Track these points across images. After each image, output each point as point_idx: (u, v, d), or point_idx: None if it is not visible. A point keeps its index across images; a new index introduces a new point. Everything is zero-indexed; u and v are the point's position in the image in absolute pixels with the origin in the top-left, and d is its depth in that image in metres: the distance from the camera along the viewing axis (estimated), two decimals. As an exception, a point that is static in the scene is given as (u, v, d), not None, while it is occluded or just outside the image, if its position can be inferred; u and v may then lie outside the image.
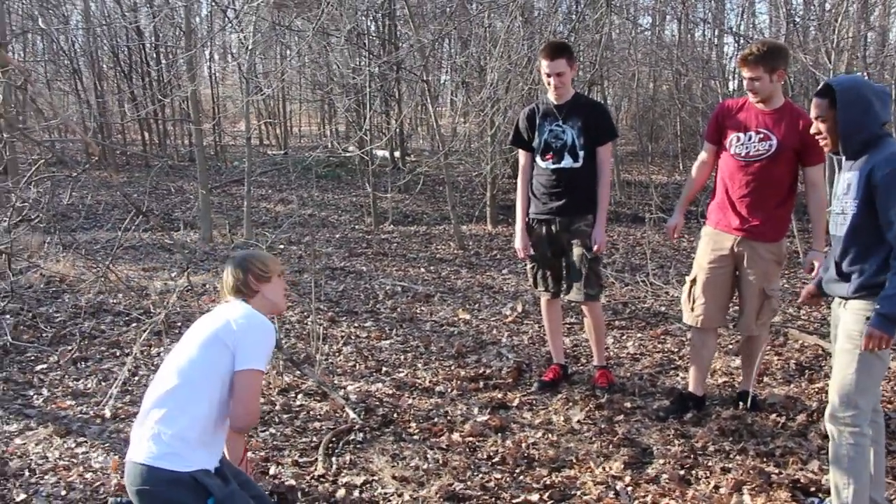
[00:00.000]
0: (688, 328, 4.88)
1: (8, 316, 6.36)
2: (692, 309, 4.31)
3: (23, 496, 3.63)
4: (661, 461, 3.83)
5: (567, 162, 4.56)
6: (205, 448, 2.87)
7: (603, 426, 4.26)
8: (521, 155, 4.81)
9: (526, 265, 4.95)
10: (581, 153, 4.54)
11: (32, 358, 5.52)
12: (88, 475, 3.84)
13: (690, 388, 4.48)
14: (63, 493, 3.67)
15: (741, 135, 4.09)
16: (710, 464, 3.80)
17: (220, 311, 3.05)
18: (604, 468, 3.79)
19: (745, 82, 4.08)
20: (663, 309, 6.56)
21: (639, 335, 5.89)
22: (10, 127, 8.01)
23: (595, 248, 4.54)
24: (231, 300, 3.13)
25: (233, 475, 3.15)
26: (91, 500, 3.59)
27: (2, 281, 7.21)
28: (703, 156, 4.38)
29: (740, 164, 4.09)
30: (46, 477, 3.84)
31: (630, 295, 7.07)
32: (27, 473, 3.88)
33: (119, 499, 3.06)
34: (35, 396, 4.89)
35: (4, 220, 7.57)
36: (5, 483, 3.78)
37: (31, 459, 4.04)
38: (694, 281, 4.30)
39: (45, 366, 5.37)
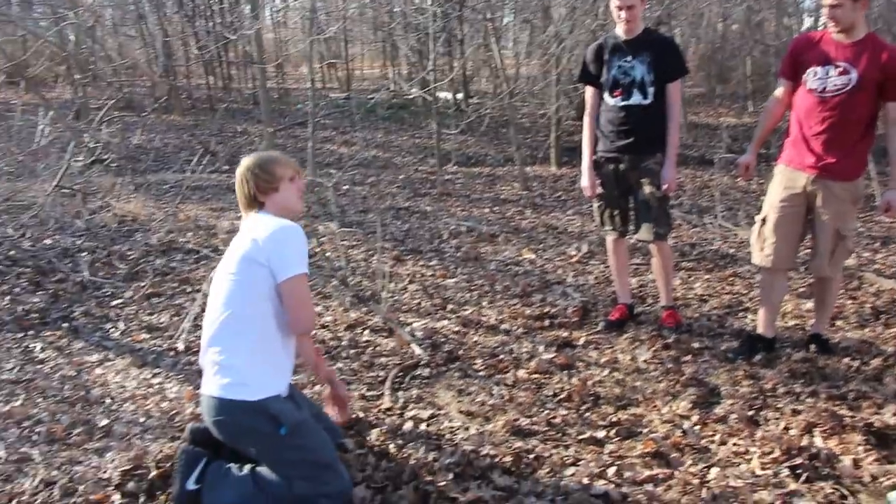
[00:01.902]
0: (757, 269, 4.79)
1: (85, 253, 6.55)
2: (762, 249, 4.22)
3: (105, 422, 3.78)
4: (730, 402, 3.79)
5: (636, 98, 4.46)
6: (271, 371, 2.96)
7: (670, 366, 4.23)
8: (588, 92, 4.72)
9: (592, 204, 4.90)
10: (650, 90, 4.43)
11: (108, 293, 5.68)
12: (164, 404, 3.96)
13: (759, 330, 4.41)
14: (141, 420, 3.81)
15: (819, 69, 3.94)
16: (779, 405, 3.75)
17: (244, 232, 3.06)
18: (670, 407, 3.78)
19: (824, 10, 3.91)
20: (732, 251, 6.45)
21: (706, 277, 5.80)
22: (81, 69, 8.15)
23: (665, 186, 4.46)
24: (249, 215, 3.13)
25: (315, 417, 3.23)
26: (168, 427, 3.71)
27: (78, 219, 7.42)
28: (777, 92, 4.23)
29: (817, 100, 3.95)
30: (125, 405, 3.98)
31: (697, 236, 6.96)
32: (108, 401, 4.03)
33: (198, 426, 3.15)
34: (112, 329, 5.04)
35: (79, 161, 7.75)
36: (89, 409, 3.94)
37: (111, 388, 4.19)
38: (764, 220, 4.20)
39: (120, 301, 5.53)
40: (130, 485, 3.15)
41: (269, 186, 3.11)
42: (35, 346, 4.77)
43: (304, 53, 11.72)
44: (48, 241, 6.91)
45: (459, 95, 16.38)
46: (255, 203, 3.11)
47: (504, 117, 13.23)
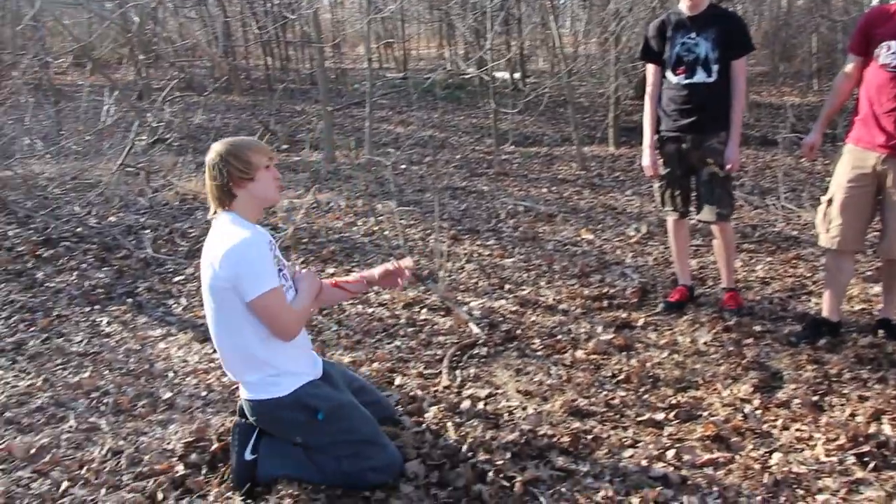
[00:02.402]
0: (822, 252, 4.68)
1: (147, 230, 6.68)
2: (828, 230, 4.11)
3: (169, 394, 3.87)
4: (793, 386, 3.73)
5: (700, 76, 4.37)
6: (290, 364, 2.96)
7: (731, 349, 4.17)
8: (650, 70, 4.64)
9: (653, 184, 4.83)
10: (715, 67, 4.34)
11: (171, 270, 5.79)
12: (225, 379, 4.03)
13: (824, 314, 4.31)
14: (203, 393, 3.88)
15: (892, 43, 3.80)
16: (845, 391, 3.67)
17: (210, 242, 2.91)
18: (731, 390, 3.72)
19: None
20: (795, 233, 6.31)
21: (768, 259, 5.69)
22: (144, 51, 8.28)
23: (728, 166, 4.38)
24: (218, 216, 2.96)
25: (347, 382, 3.24)
26: (228, 401, 3.78)
27: (141, 197, 7.57)
28: (847, 68, 4.10)
29: (890, 76, 3.81)
30: (188, 379, 4.07)
31: (759, 218, 6.83)
32: (171, 375, 4.12)
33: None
34: (174, 305, 5.14)
35: (142, 140, 7.89)
36: (153, 382, 4.04)
37: (174, 362, 4.28)
38: (830, 201, 4.09)
39: (182, 277, 5.63)
40: (193, 456, 3.22)
41: (244, 176, 2.88)
42: (102, 320, 4.89)
43: (362, 33, 11.75)
44: (113, 219, 7.06)
45: (517, 75, 16.27)
46: (228, 196, 2.89)
47: (562, 97, 13.11)
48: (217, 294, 2.85)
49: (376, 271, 3.44)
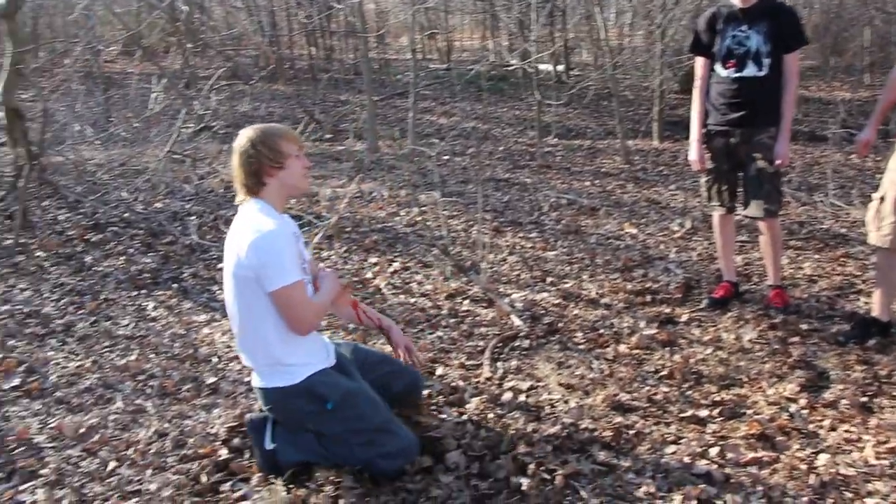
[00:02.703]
0: (872, 250, 4.59)
1: (193, 217, 6.76)
2: (879, 228, 4.02)
3: (213, 379, 3.92)
4: (840, 386, 3.66)
5: (750, 70, 4.30)
6: (301, 353, 2.97)
7: (776, 347, 4.11)
8: (698, 63, 4.58)
9: (700, 179, 4.77)
10: (766, 61, 4.27)
11: (215, 256, 5.85)
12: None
13: (874, 313, 4.22)
14: (246, 379, 3.90)
15: None
16: (895, 393, 3.61)
17: (234, 231, 2.92)
18: (777, 389, 3.67)
19: None
20: (844, 230, 6.20)
21: (816, 256, 5.60)
22: (194, 37, 8.37)
23: (778, 162, 4.31)
24: (245, 203, 2.95)
25: (363, 358, 3.24)
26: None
27: (187, 184, 7.65)
28: None
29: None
30: (231, 364, 4.11)
31: (807, 215, 6.72)
32: (215, 360, 4.18)
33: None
34: (218, 291, 5.19)
35: (189, 128, 7.98)
36: (198, 366, 4.09)
37: (218, 348, 4.33)
38: (882, 198, 3.99)
39: (226, 264, 5.68)
40: (236, 440, 3.27)
41: (274, 164, 2.88)
42: (148, 305, 4.97)
43: (406, 23, 11.75)
44: (159, 205, 7.16)
45: (560, 67, 16.18)
46: (258, 183, 2.89)
47: (605, 89, 13.01)
48: (239, 281, 2.86)
49: (395, 332, 3.44)
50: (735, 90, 4.35)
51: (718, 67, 4.42)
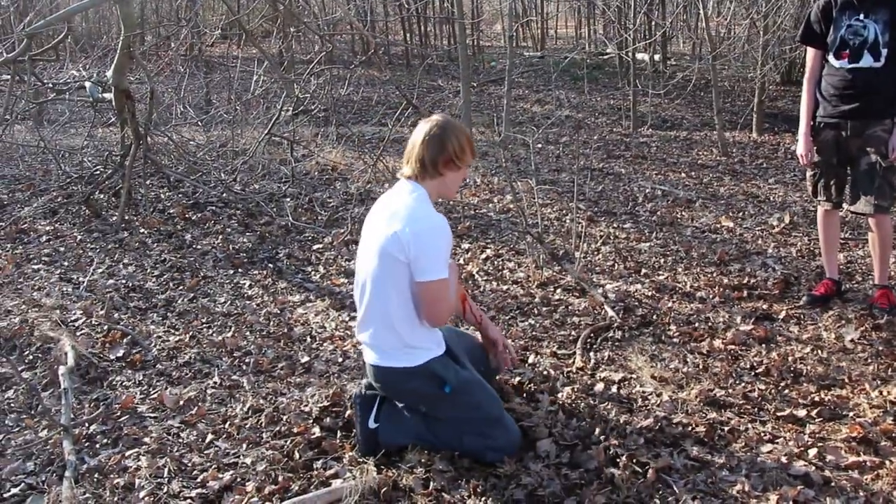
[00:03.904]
0: None
1: (289, 199, 6.90)
2: None
3: (306, 358, 3.99)
4: (951, 392, 3.52)
5: (866, 61, 4.13)
6: (422, 340, 2.99)
7: (880, 348, 3.96)
8: (810, 53, 4.43)
9: (804, 173, 4.62)
10: (884, 51, 4.09)
11: (310, 238, 5.96)
12: (361, 346, 4.12)
13: None
14: (339, 359, 3.99)
15: None
16: None
17: (387, 206, 2.94)
18: (880, 392, 3.53)
19: None
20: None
21: (925, 257, 5.37)
22: (295, 21, 8.50)
23: (893, 156, 4.13)
24: (402, 181, 2.97)
25: (477, 360, 3.26)
26: (363, 368, 3.85)
27: (284, 167, 7.80)
28: None
29: None
30: (325, 344, 4.19)
31: (916, 213, 6.45)
32: (308, 339, 4.26)
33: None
34: (312, 272, 5.29)
35: (287, 111, 8.13)
36: (292, 345, 4.18)
37: (312, 328, 4.41)
38: None
39: (320, 245, 5.79)
40: (328, 420, 3.32)
41: (456, 163, 2.94)
42: (244, 283, 5.09)
43: (502, 10, 11.70)
44: (256, 186, 7.32)
45: (657, 56, 15.89)
46: (434, 171, 2.91)
47: (703, 80, 12.72)
48: (388, 261, 2.86)
49: (493, 331, 3.42)
50: (849, 81, 4.19)
51: (831, 58, 4.26)
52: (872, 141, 4.17)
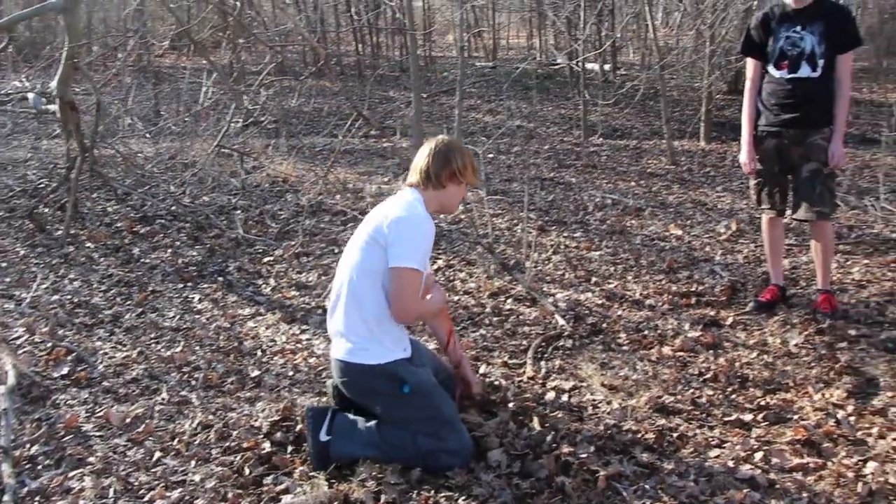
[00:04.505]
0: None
1: (239, 211, 6.84)
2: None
3: (257, 372, 3.96)
4: (890, 394, 3.59)
5: (804, 71, 4.24)
6: (389, 340, 3.05)
7: (823, 352, 4.05)
8: (750, 64, 4.53)
9: (748, 181, 4.71)
10: (820, 62, 4.20)
11: (261, 251, 5.92)
12: (312, 360, 4.11)
13: (925, 320, 4.15)
14: (290, 373, 3.96)
15: None
16: (946, 401, 3.54)
17: (384, 206, 3.14)
18: (823, 395, 3.61)
19: None
20: (894, 235, 6.07)
21: (865, 261, 5.49)
22: (244, 32, 8.45)
23: (832, 163, 4.24)
24: (405, 190, 3.16)
25: (434, 370, 3.30)
26: (315, 382, 3.85)
27: (234, 179, 7.74)
28: None
29: None
30: (275, 358, 4.16)
31: (857, 219, 6.60)
32: (259, 353, 4.22)
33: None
34: (263, 285, 5.25)
35: (237, 122, 8.07)
36: (242, 360, 4.14)
37: (262, 341, 4.38)
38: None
39: (271, 258, 5.75)
40: (279, 435, 3.30)
41: (458, 176, 3.14)
42: (193, 297, 5.04)
43: (453, 21, 11.75)
44: (206, 199, 7.25)
45: (607, 66, 16.08)
46: (437, 182, 3.11)
47: (652, 89, 12.89)
48: (370, 248, 3.01)
49: (469, 373, 3.51)
50: (789, 91, 4.29)
51: (771, 68, 4.37)
52: (813, 149, 4.27)
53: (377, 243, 2.98)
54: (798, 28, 4.23)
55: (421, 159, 3.15)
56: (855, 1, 15.89)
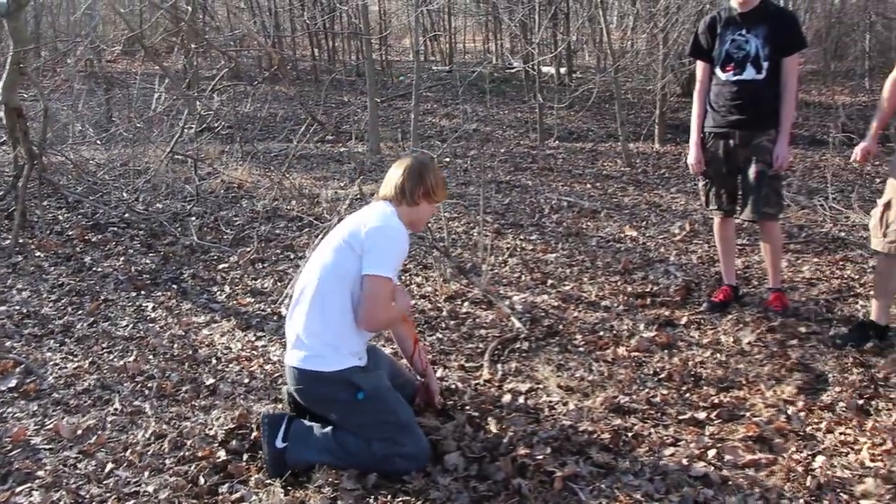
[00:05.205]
0: (871, 254, 4.61)
1: (193, 218, 6.77)
2: (884, 235, 4.00)
3: (211, 380, 3.92)
4: (838, 389, 3.67)
5: (749, 73, 4.32)
6: (346, 348, 3.04)
7: (775, 349, 4.11)
8: (699, 67, 4.60)
9: (698, 182, 4.78)
10: (765, 64, 4.28)
11: (215, 257, 5.87)
12: (268, 367, 4.08)
13: (873, 317, 4.22)
14: (246, 380, 3.93)
15: None
16: (892, 395, 3.60)
17: (359, 214, 3.16)
18: (775, 391, 3.67)
19: None
20: (843, 234, 6.20)
21: (815, 260, 5.60)
22: (197, 37, 8.37)
23: (777, 164, 4.31)
24: (379, 202, 3.20)
25: (392, 375, 3.30)
26: (270, 388, 3.82)
27: (188, 185, 7.66)
28: None
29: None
30: (230, 366, 4.12)
31: (807, 218, 6.72)
32: (214, 361, 4.18)
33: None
34: (218, 292, 5.21)
35: (190, 128, 7.99)
36: (196, 368, 4.09)
37: (217, 349, 4.33)
38: (888, 204, 3.98)
39: (226, 265, 5.70)
40: (234, 443, 3.26)
41: (431, 195, 3.20)
42: (147, 306, 4.97)
43: (409, 25, 11.75)
44: (160, 205, 7.17)
45: (562, 70, 16.20)
46: (408, 199, 3.17)
47: (608, 92, 13.01)
48: (346, 251, 3.02)
49: (433, 382, 3.53)
50: (735, 93, 4.36)
51: (718, 71, 4.44)
52: (759, 150, 4.34)
53: (352, 249, 3.00)
54: (743, 31, 4.30)
55: (395, 175, 3.20)
56: (803, 4, 16.20)
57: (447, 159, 9.62)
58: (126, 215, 6.71)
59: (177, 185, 7.77)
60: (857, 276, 5.23)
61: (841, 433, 3.29)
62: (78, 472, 3.12)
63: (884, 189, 4.03)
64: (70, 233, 6.34)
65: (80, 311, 4.87)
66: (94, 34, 11.07)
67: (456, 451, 3.11)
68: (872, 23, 12.90)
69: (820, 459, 3.09)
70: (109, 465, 3.15)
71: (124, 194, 7.22)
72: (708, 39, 4.48)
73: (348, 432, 3.04)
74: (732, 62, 4.35)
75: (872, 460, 3.07)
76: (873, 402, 3.54)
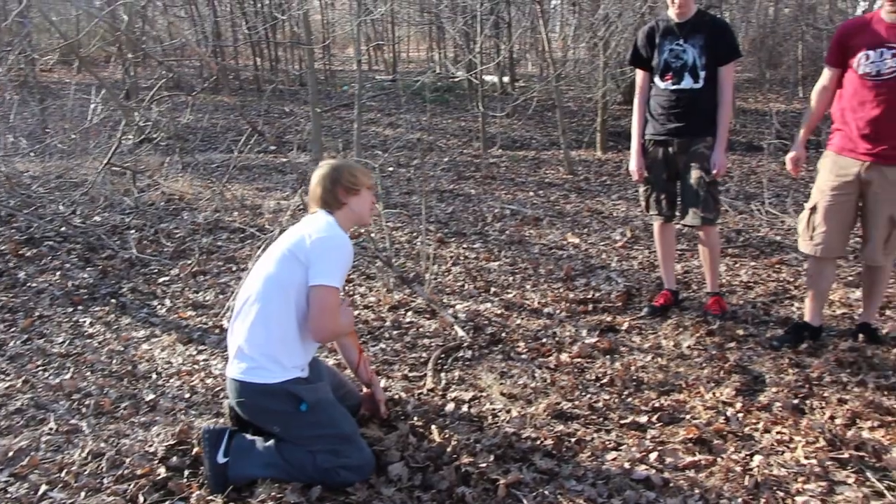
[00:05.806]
0: (804, 258, 4.71)
1: (133, 231, 6.65)
2: (811, 238, 4.13)
3: (152, 396, 3.85)
4: (774, 389, 3.75)
5: (687, 82, 4.40)
6: (288, 360, 3.02)
7: (714, 352, 4.19)
8: (639, 75, 4.68)
9: (639, 189, 4.85)
10: (702, 73, 4.37)
11: (155, 271, 5.77)
12: (209, 381, 4.02)
13: (806, 318, 4.34)
14: (187, 395, 3.87)
15: (871, 52, 3.83)
16: (825, 394, 3.70)
17: (301, 225, 3.15)
18: (714, 394, 3.74)
19: None
20: (779, 238, 6.34)
21: (752, 264, 5.72)
22: (134, 48, 8.24)
23: (714, 171, 4.40)
24: (316, 212, 3.20)
25: (335, 386, 3.29)
26: (212, 403, 3.77)
27: (127, 197, 7.53)
28: (823, 81, 4.11)
29: (871, 84, 3.83)
30: (171, 381, 4.05)
31: (744, 223, 6.86)
32: (154, 376, 4.11)
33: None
34: (159, 306, 5.12)
35: (129, 139, 7.86)
36: (136, 384, 4.02)
37: (158, 364, 4.26)
38: (814, 208, 4.11)
39: (167, 278, 5.61)
40: (174, 459, 3.21)
41: (353, 189, 3.20)
42: (84, 321, 4.87)
43: (352, 35, 11.73)
44: (98, 218, 7.02)
45: (505, 78, 16.30)
46: (331, 203, 3.18)
47: (550, 101, 13.13)
48: (290, 262, 3.01)
49: (378, 392, 3.54)
50: (674, 101, 4.44)
51: (657, 80, 4.51)
52: (696, 157, 4.43)
53: (296, 259, 2.99)
54: (680, 41, 4.39)
55: (314, 188, 3.22)
56: (739, 15, 16.55)
57: (390, 169, 9.61)
58: (62, 229, 6.56)
59: (115, 198, 7.63)
60: (792, 279, 5.35)
61: (777, 432, 3.37)
62: (9, 495, 3.03)
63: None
64: (3, 248, 6.18)
65: (13, 329, 4.74)
66: (25, 42, 10.82)
67: (400, 462, 3.10)
68: (803, 33, 13.25)
69: (757, 459, 3.15)
70: (43, 487, 3.06)
71: (60, 207, 7.06)
72: (647, 49, 4.55)
73: (291, 445, 3.02)
74: (671, 71, 4.43)
75: (807, 458, 3.15)
76: (807, 402, 3.63)
